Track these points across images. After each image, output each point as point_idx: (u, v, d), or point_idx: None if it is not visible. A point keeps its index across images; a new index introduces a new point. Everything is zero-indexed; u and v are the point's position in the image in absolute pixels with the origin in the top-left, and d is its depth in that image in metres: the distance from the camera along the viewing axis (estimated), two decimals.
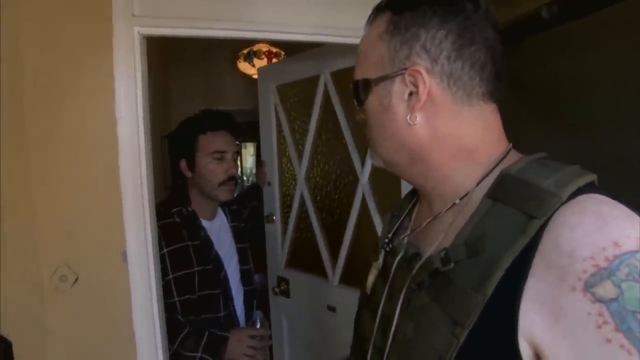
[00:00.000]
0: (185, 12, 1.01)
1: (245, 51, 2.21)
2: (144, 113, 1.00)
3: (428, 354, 0.41)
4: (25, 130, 0.92)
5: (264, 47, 2.16)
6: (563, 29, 0.90)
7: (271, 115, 1.85)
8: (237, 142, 1.31)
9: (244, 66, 2.25)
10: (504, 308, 0.36)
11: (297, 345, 1.84)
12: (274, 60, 2.18)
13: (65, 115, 0.95)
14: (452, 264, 0.41)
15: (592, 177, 0.40)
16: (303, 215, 1.79)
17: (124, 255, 0.99)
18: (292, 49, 1.79)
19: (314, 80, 1.65)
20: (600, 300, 0.32)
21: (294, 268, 1.83)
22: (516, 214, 0.38)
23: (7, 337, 0.79)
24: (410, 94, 0.45)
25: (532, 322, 0.34)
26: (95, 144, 0.97)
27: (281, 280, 1.86)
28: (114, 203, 0.98)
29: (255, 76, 2.39)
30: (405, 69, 0.45)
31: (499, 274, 0.37)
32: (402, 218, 0.58)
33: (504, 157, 0.45)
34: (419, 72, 0.44)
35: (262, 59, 2.16)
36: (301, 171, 1.75)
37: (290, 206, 1.82)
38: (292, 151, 1.79)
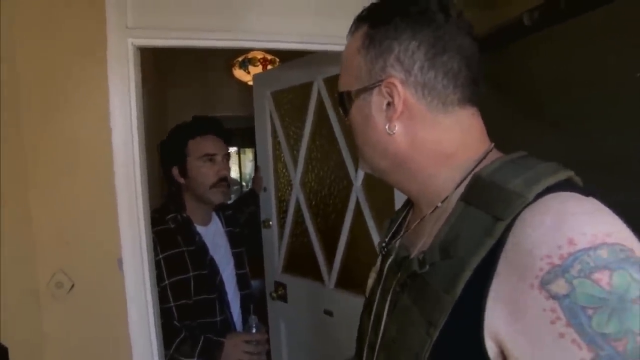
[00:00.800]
0: (178, 24, 1.04)
1: (240, 59, 2.24)
2: (137, 122, 1.02)
3: (407, 353, 0.42)
4: (22, 138, 0.94)
5: (259, 55, 2.19)
6: (546, 33, 0.92)
7: (266, 121, 1.88)
8: (227, 146, 1.34)
9: (239, 73, 2.28)
10: (471, 308, 0.37)
11: (295, 349, 1.84)
12: (269, 67, 2.21)
13: (61, 124, 0.98)
14: (427, 267, 0.43)
15: (566, 174, 0.41)
16: (299, 220, 1.80)
17: (120, 262, 1.01)
18: (287, 56, 1.82)
19: (307, 87, 1.68)
20: (554, 296, 0.33)
21: (290, 273, 1.85)
22: (484, 216, 0.40)
23: (4, 343, 0.80)
24: (388, 104, 0.47)
25: (496, 321, 0.36)
26: (91, 153, 1.00)
27: (278, 285, 1.87)
28: (109, 210, 1.00)
29: (251, 83, 2.42)
30: (382, 81, 0.46)
31: (467, 274, 0.38)
32: (399, 221, 0.60)
33: (483, 158, 0.46)
34: (393, 84, 0.46)
35: (257, 66, 2.19)
36: (296, 176, 1.77)
37: (286, 211, 1.84)
38: (287, 157, 1.82)
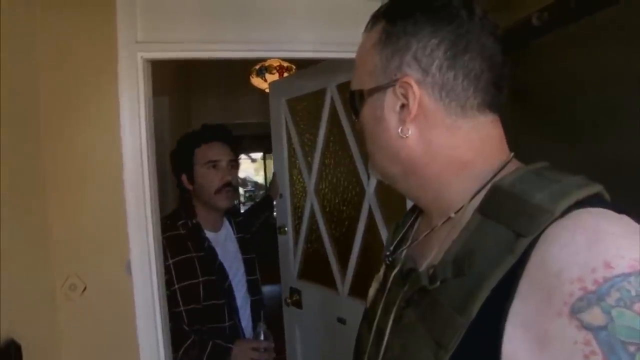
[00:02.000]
0: (186, 37, 1.08)
1: (257, 67, 2.28)
2: (147, 132, 1.06)
3: None
4: (40, 151, 1.01)
5: (275, 62, 2.22)
6: (557, 34, 0.87)
7: (282, 128, 1.90)
8: (233, 153, 1.37)
9: (256, 81, 2.32)
10: (488, 331, 0.33)
11: (310, 356, 1.83)
12: (285, 74, 2.23)
13: (76, 136, 1.04)
14: (438, 283, 0.39)
15: (596, 188, 0.37)
16: (313, 227, 1.80)
17: (128, 266, 1.05)
18: (303, 63, 1.83)
19: (321, 94, 1.68)
20: (587, 327, 0.29)
21: (305, 279, 1.84)
22: (504, 231, 0.36)
23: (20, 340, 0.86)
24: (402, 106, 0.44)
25: (516, 348, 0.32)
26: (103, 163, 1.05)
27: (293, 291, 1.87)
28: (119, 218, 1.04)
29: (268, 90, 2.46)
30: (397, 80, 0.43)
31: (484, 295, 0.34)
32: (405, 229, 0.56)
33: (502, 168, 0.42)
34: (409, 83, 0.42)
35: (273, 73, 2.22)
36: (311, 183, 1.77)
37: (301, 218, 1.84)
38: (302, 163, 1.82)
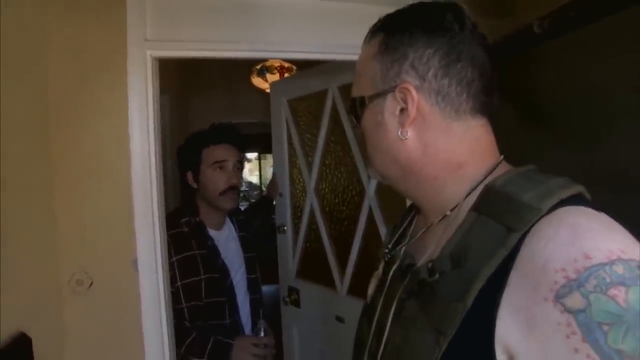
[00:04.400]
0: (195, 36, 1.09)
1: (258, 67, 2.30)
2: (155, 129, 1.08)
3: None
4: (49, 147, 1.01)
5: (276, 63, 2.25)
6: (557, 42, 0.91)
7: (282, 128, 1.92)
8: (240, 154, 1.38)
9: (257, 81, 2.34)
10: (482, 317, 0.37)
11: (307, 355, 1.85)
12: (286, 74, 2.25)
13: (85, 132, 1.04)
14: (437, 275, 0.43)
15: (578, 189, 0.41)
16: (313, 226, 1.82)
17: (135, 263, 1.06)
18: (304, 64, 1.85)
19: (322, 94, 1.70)
20: (569, 310, 0.33)
21: (304, 278, 1.86)
22: (497, 226, 0.40)
23: (28, 333, 0.86)
24: (402, 110, 0.47)
25: (508, 331, 0.35)
26: (111, 159, 1.06)
27: (292, 290, 1.89)
28: (126, 214, 1.05)
29: (269, 90, 2.47)
30: (396, 86, 0.47)
31: (480, 284, 0.38)
32: (403, 227, 0.60)
33: (493, 169, 0.46)
34: (407, 89, 0.46)
35: (274, 73, 2.24)
36: (311, 183, 1.79)
37: (300, 217, 1.86)
38: (302, 163, 1.84)
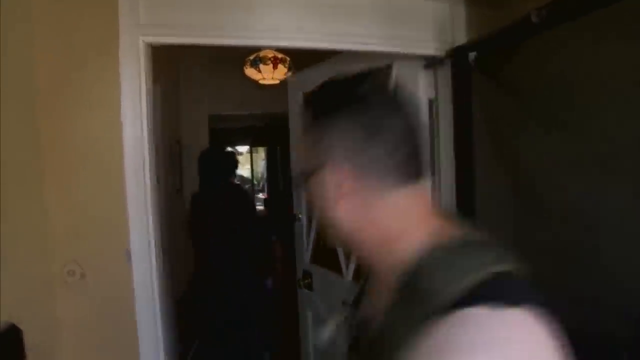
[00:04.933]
0: (189, 21, 1.06)
1: (251, 57, 2.26)
2: (147, 117, 1.05)
3: None
4: (37, 134, 0.98)
5: (270, 53, 2.21)
6: (555, 32, 0.91)
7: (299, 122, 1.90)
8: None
9: (250, 72, 2.30)
10: None
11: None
12: (280, 65, 2.23)
13: (75, 120, 1.02)
14: (375, 338, 0.47)
15: (501, 268, 0.41)
16: None
17: (128, 254, 1.04)
18: (298, 56, 1.82)
19: None
20: None
21: (316, 264, 1.92)
22: (409, 311, 0.42)
23: (19, 325, 0.84)
24: (336, 185, 0.48)
25: None
26: (103, 148, 1.03)
27: (306, 274, 1.93)
28: (119, 204, 1.03)
29: (262, 81, 2.44)
30: (325, 163, 0.48)
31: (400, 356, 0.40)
32: (365, 279, 0.61)
33: (432, 236, 0.46)
34: (333, 166, 0.47)
35: (267, 64, 2.21)
36: None
37: None
38: None
